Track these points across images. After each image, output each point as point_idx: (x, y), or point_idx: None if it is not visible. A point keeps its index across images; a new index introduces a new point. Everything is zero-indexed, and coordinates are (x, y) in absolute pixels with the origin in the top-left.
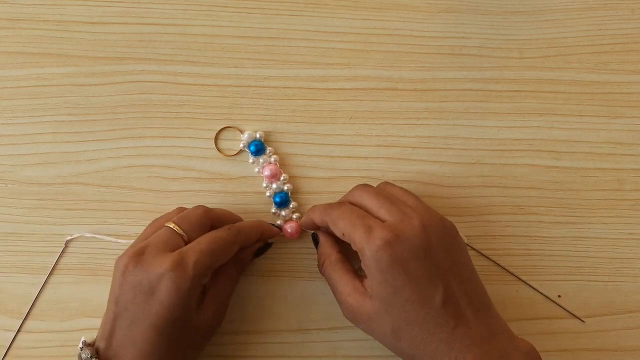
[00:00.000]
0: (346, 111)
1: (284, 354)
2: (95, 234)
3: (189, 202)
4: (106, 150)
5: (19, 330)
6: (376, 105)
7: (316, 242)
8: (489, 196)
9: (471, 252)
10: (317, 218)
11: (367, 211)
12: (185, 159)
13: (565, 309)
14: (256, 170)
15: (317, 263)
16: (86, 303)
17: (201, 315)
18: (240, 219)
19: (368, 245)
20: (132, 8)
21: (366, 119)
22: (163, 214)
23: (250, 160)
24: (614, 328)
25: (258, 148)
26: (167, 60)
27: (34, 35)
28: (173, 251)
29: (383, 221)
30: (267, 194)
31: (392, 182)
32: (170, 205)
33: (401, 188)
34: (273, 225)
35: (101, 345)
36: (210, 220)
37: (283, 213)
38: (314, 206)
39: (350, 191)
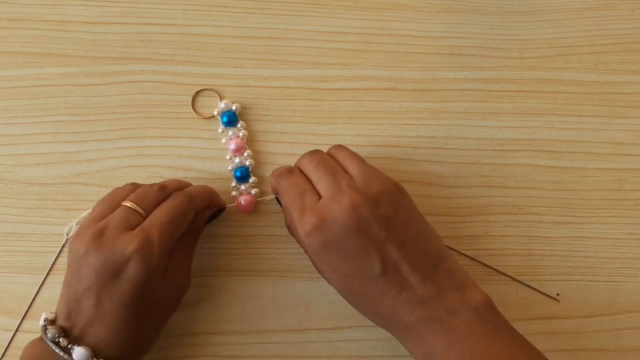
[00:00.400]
0: (346, 111)
1: (283, 354)
2: None
3: None
4: (106, 150)
5: (17, 330)
6: (376, 105)
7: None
8: (489, 196)
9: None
10: (273, 184)
11: (310, 182)
12: (185, 159)
13: (538, 290)
14: (223, 140)
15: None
16: None
17: (166, 287)
18: (188, 184)
19: (300, 229)
20: (132, 8)
21: (366, 119)
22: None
23: (220, 130)
24: (613, 328)
25: (230, 119)
26: (167, 60)
27: (34, 35)
28: (133, 229)
29: (320, 197)
30: (230, 167)
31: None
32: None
33: (350, 152)
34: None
35: (65, 325)
36: (166, 195)
37: (242, 187)
38: (274, 170)
39: (301, 156)
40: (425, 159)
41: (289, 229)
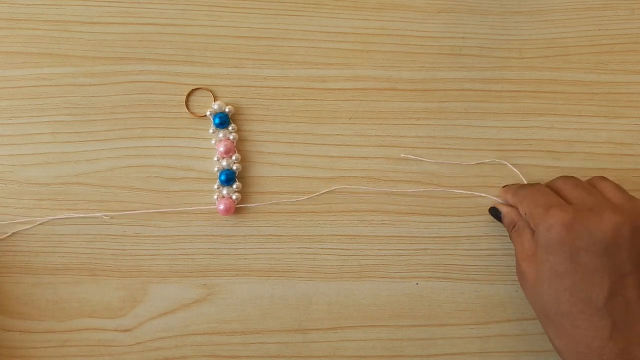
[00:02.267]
0: (346, 111)
1: (283, 354)
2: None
3: (189, 202)
4: (106, 150)
5: (19, 331)
6: (376, 105)
7: (495, 214)
8: (488, 196)
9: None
10: (509, 197)
11: (559, 195)
12: (185, 159)
13: None
14: (213, 142)
15: (506, 228)
16: (86, 303)
17: None
18: None
19: (542, 221)
20: (132, 8)
21: (366, 119)
22: (167, 212)
23: (211, 131)
24: None
25: (222, 121)
26: (167, 60)
27: (34, 35)
28: None
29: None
30: (215, 168)
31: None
32: (170, 205)
33: (614, 184)
34: None
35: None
36: None
37: (225, 191)
38: (507, 185)
39: (554, 179)
40: (425, 159)
41: (510, 233)
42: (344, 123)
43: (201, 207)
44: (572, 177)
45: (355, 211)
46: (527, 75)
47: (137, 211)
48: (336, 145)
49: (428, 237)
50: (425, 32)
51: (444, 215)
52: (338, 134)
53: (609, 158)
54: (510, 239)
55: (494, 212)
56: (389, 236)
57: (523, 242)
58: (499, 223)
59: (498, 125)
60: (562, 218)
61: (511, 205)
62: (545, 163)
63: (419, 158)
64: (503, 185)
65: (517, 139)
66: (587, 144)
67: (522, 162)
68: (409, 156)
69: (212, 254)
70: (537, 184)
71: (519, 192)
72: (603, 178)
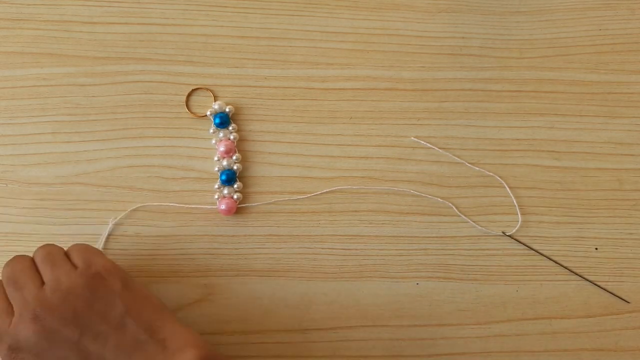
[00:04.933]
0: (346, 111)
1: (283, 354)
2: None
3: (190, 202)
4: (106, 150)
5: None
6: (376, 105)
7: None
8: (489, 196)
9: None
10: None
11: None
12: (185, 159)
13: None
14: (213, 142)
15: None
16: None
17: None
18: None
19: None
20: (132, 8)
21: (366, 119)
22: (168, 212)
23: (211, 131)
24: (613, 328)
25: (222, 121)
26: (167, 60)
27: (34, 35)
28: None
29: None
30: (216, 168)
31: None
32: (169, 204)
33: (46, 251)
34: None
35: None
36: None
37: (225, 191)
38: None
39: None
40: (425, 159)
41: None
42: (344, 123)
43: (202, 207)
44: (17, 260)
45: (355, 211)
46: (527, 75)
47: (140, 204)
48: (336, 145)
49: (428, 237)
50: (425, 32)
51: (444, 215)
52: (338, 134)
53: (609, 158)
54: None
55: None
56: (389, 236)
57: None
58: (498, 223)
59: (498, 125)
60: (21, 312)
61: None
62: (545, 163)
63: (429, 145)
64: None
65: (517, 139)
66: (587, 143)
67: (522, 162)
68: (420, 141)
69: (213, 254)
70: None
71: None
72: (43, 247)
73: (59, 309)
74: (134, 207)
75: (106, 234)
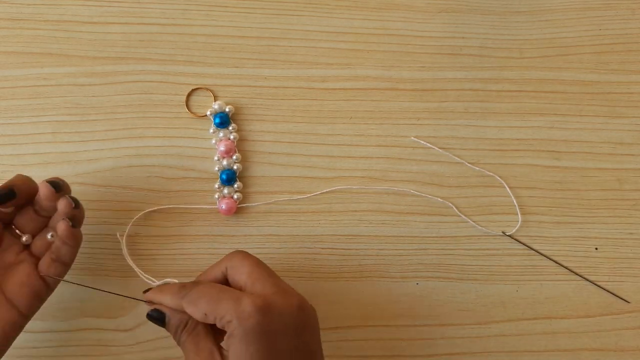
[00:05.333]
0: (346, 111)
1: None
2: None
3: (190, 202)
4: (106, 150)
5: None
6: (376, 105)
7: (156, 317)
8: (488, 196)
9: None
10: (169, 301)
11: (237, 287)
12: (185, 158)
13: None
14: (213, 141)
15: (172, 333)
16: (86, 303)
17: None
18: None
19: (236, 313)
20: (132, 8)
21: (366, 119)
22: (168, 212)
23: (211, 130)
24: (613, 328)
25: (222, 121)
26: (167, 60)
27: (34, 35)
28: None
29: None
30: (216, 168)
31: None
32: (170, 206)
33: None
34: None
35: None
36: None
37: (226, 191)
38: (161, 286)
39: (220, 261)
40: (425, 158)
41: (177, 335)
42: (344, 123)
43: (202, 207)
44: (241, 253)
45: (355, 211)
46: (527, 75)
47: (141, 212)
48: (336, 145)
49: (428, 237)
50: (425, 32)
51: (443, 215)
52: (338, 134)
53: (609, 158)
54: (179, 343)
55: (155, 315)
56: (389, 236)
57: (198, 342)
58: (498, 223)
59: (498, 125)
60: (258, 304)
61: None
62: (545, 163)
63: (429, 145)
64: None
65: (517, 139)
66: (587, 143)
67: (522, 162)
68: (420, 141)
69: (213, 254)
70: (201, 281)
71: (186, 294)
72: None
73: (311, 313)
74: (147, 210)
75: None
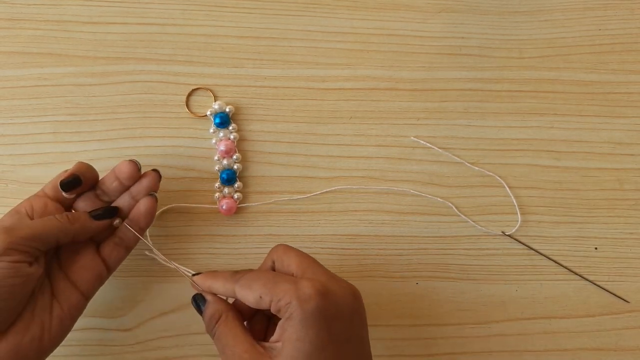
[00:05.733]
0: (346, 111)
1: None
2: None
3: (190, 202)
4: (106, 150)
5: None
6: (376, 105)
7: (197, 303)
8: (488, 196)
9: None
10: (220, 286)
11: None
12: (185, 158)
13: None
14: (213, 141)
15: (206, 323)
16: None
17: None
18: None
19: (296, 294)
20: (132, 8)
21: (366, 119)
22: (168, 212)
23: (211, 130)
24: (613, 328)
25: (222, 121)
26: (167, 60)
27: (34, 35)
28: None
29: None
30: (216, 168)
31: None
32: (170, 206)
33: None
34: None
35: None
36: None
37: (226, 190)
38: (212, 272)
39: (266, 258)
40: (425, 158)
41: (212, 325)
42: (344, 123)
43: (202, 206)
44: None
45: (355, 211)
46: (527, 75)
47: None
48: (336, 145)
49: (428, 237)
50: (425, 32)
51: (443, 215)
52: (338, 134)
53: (609, 158)
54: (213, 334)
55: (197, 300)
56: (389, 236)
57: (236, 334)
58: (499, 222)
59: (498, 125)
60: (317, 287)
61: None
62: (545, 163)
63: (428, 145)
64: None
65: (517, 139)
66: (587, 143)
67: (521, 162)
68: (420, 141)
69: (213, 254)
70: (251, 269)
71: (239, 278)
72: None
73: (361, 300)
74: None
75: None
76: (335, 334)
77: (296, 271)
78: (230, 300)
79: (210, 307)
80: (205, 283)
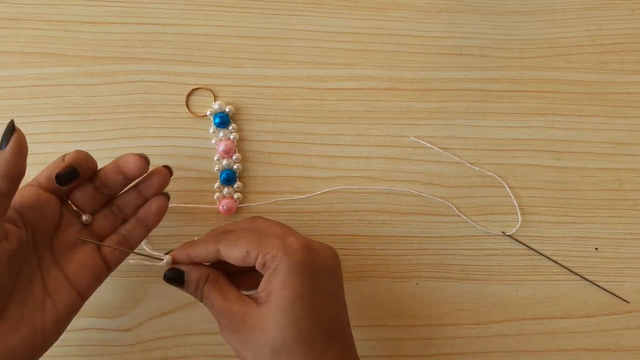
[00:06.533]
0: (346, 111)
1: None
2: None
3: (190, 202)
4: (106, 150)
5: None
6: (376, 105)
7: (173, 278)
8: (488, 196)
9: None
10: (201, 251)
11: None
12: (185, 158)
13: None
14: (213, 141)
15: (192, 288)
16: (87, 303)
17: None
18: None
19: (283, 247)
20: (132, 8)
21: (366, 119)
22: (168, 212)
23: (211, 130)
24: (613, 328)
25: (222, 121)
26: (167, 60)
27: (34, 35)
28: None
29: None
30: (216, 168)
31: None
32: (170, 206)
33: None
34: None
35: None
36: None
37: (226, 190)
38: (186, 243)
39: (243, 222)
40: (425, 159)
41: (198, 290)
42: (344, 123)
43: (202, 207)
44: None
45: (355, 211)
46: (527, 75)
47: None
48: (336, 145)
49: (428, 237)
50: (425, 32)
51: (444, 215)
52: (338, 134)
53: (609, 158)
54: (202, 296)
55: (173, 276)
56: (389, 236)
57: (224, 290)
58: (499, 222)
59: (498, 125)
60: (303, 242)
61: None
62: (545, 163)
63: (429, 145)
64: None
65: (517, 139)
66: (588, 143)
67: (522, 162)
68: (420, 141)
69: None
70: (232, 230)
71: (223, 237)
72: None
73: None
74: None
75: None
76: (318, 287)
77: (279, 234)
78: None
79: (193, 273)
80: (185, 253)
